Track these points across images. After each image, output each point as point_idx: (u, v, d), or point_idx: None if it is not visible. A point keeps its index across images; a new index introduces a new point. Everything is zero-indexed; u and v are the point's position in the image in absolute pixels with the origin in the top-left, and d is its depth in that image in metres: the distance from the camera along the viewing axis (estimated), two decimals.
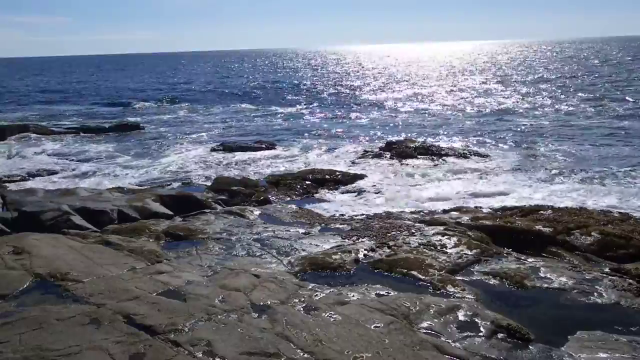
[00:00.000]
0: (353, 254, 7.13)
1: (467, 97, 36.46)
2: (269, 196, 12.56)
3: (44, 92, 52.90)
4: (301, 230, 8.52)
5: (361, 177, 14.76)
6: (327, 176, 14.40)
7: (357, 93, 42.76)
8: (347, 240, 7.92)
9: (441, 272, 6.52)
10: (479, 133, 22.84)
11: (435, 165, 16.42)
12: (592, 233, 7.83)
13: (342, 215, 10.77)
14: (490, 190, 13.32)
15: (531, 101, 33.00)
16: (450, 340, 4.80)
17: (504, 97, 35.67)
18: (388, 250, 7.34)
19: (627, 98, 31.79)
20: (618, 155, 17.18)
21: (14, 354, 4.28)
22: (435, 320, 5.16)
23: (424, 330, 4.96)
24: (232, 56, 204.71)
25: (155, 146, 21.94)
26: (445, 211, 10.43)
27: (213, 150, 20.39)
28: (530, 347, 4.76)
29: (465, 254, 7.17)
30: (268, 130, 26.27)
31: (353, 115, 30.46)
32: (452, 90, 41.84)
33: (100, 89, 56.09)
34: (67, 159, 19.34)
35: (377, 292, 5.88)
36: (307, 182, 13.90)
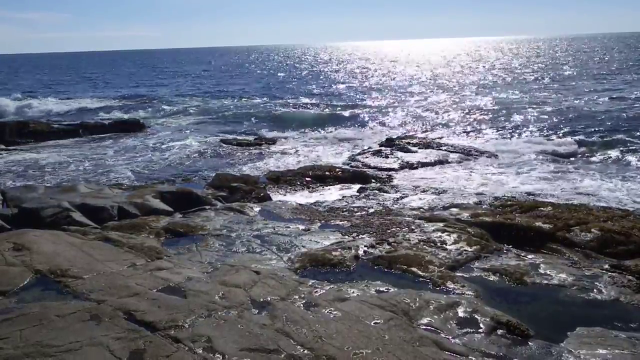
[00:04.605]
0: (353, 251, 7.14)
1: (467, 95, 36.38)
2: (269, 193, 12.56)
3: None
4: (301, 227, 8.51)
5: (361, 173, 14.75)
6: (327, 172, 14.39)
7: (357, 89, 42.68)
8: (347, 236, 7.91)
9: (441, 269, 6.53)
10: (479, 130, 22.82)
11: (436, 161, 16.39)
12: (592, 230, 7.82)
13: (343, 211, 10.76)
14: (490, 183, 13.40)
15: (535, 96, 32.95)
16: (449, 337, 4.81)
17: (504, 94, 35.60)
18: (388, 247, 7.34)
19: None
20: None
21: (15, 350, 4.29)
22: (435, 316, 5.16)
23: (424, 327, 4.97)
24: (231, 52, 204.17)
25: (155, 142, 21.93)
26: (444, 208, 10.42)
27: (213, 146, 20.39)
28: (530, 343, 4.77)
29: (465, 250, 7.19)
30: (268, 126, 26.24)
31: (353, 111, 30.38)
32: (452, 88, 41.76)
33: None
34: (65, 156, 19.33)
35: (377, 288, 5.89)
36: (308, 179, 13.91)
